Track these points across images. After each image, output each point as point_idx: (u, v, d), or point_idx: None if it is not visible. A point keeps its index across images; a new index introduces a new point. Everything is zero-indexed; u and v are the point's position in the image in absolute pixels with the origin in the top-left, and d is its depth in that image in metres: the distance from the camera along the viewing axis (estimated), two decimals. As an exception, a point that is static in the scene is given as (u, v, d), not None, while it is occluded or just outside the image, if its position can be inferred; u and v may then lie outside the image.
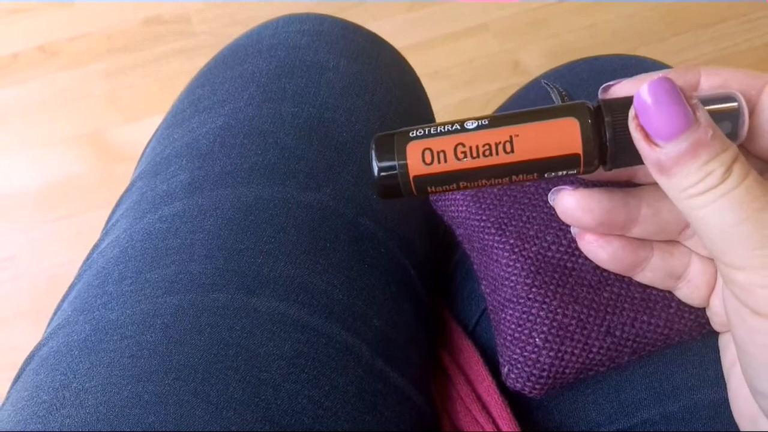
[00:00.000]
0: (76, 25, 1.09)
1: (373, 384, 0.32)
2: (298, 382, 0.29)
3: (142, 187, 0.37)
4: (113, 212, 0.40)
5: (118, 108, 1.03)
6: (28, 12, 1.10)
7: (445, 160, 0.26)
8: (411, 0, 1.10)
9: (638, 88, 0.25)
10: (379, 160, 0.27)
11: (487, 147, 0.26)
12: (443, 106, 1.00)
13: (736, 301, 0.25)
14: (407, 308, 0.36)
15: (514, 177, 0.26)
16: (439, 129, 0.26)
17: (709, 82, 0.26)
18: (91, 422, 0.27)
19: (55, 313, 0.36)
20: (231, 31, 1.08)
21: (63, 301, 0.36)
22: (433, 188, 0.27)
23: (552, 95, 0.40)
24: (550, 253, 0.32)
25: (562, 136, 0.25)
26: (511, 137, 0.25)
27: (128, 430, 0.27)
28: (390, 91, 0.41)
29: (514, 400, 0.34)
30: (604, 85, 0.27)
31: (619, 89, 0.27)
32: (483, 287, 0.35)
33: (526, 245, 0.32)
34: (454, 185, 0.27)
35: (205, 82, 0.41)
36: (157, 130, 0.43)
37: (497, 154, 0.26)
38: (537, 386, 0.31)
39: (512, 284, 0.32)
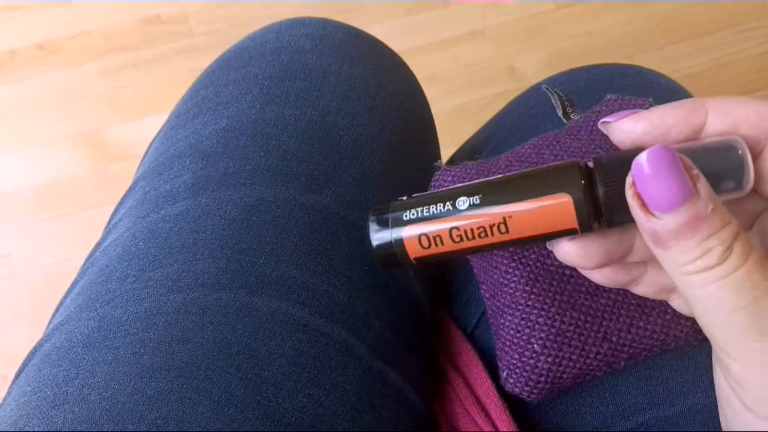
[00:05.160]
0: (75, 23, 1.09)
1: (372, 384, 0.32)
2: (299, 380, 0.30)
3: (145, 186, 0.38)
4: (116, 211, 0.40)
5: (115, 107, 1.03)
6: (27, 9, 1.10)
7: (442, 243, 0.27)
8: (409, 3, 1.10)
9: (635, 133, 0.25)
10: (376, 239, 0.29)
11: (481, 230, 0.27)
12: (440, 110, 1.01)
13: (728, 389, 0.24)
14: (406, 310, 0.37)
15: (511, 248, 0.28)
16: (431, 210, 0.27)
17: (719, 123, 0.25)
18: (94, 418, 0.27)
19: (57, 310, 0.36)
20: (229, 31, 1.08)
21: (65, 297, 0.36)
22: (433, 260, 0.28)
23: (552, 100, 0.41)
24: (549, 261, 0.32)
25: (556, 214, 0.26)
26: (504, 219, 0.26)
27: (131, 425, 0.27)
28: (391, 96, 0.41)
29: (511, 402, 0.35)
30: (602, 120, 0.27)
31: (618, 127, 0.26)
32: (482, 291, 0.35)
33: (525, 252, 0.32)
34: (454, 257, 0.28)
35: (208, 83, 0.42)
36: (160, 130, 0.43)
37: (492, 234, 0.27)
38: (535, 391, 0.32)
39: (511, 290, 0.32)
